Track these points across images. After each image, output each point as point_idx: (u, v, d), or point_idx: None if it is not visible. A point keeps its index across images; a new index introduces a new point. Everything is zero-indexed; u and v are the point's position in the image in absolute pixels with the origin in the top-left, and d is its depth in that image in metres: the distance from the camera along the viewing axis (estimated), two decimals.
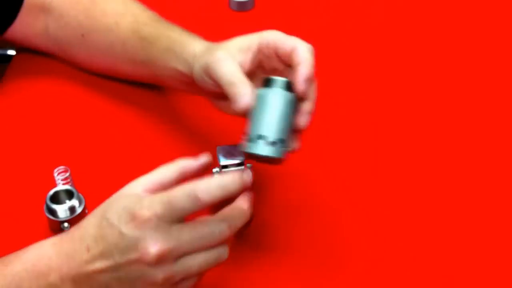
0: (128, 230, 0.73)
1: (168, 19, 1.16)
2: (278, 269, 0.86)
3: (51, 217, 0.90)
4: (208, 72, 0.86)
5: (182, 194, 0.74)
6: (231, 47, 0.87)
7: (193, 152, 0.97)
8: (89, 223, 0.76)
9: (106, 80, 1.09)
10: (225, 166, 0.86)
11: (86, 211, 0.91)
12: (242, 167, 0.87)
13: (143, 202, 0.73)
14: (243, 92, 0.82)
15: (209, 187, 0.74)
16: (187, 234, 0.73)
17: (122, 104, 1.07)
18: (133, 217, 0.73)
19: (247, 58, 0.86)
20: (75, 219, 0.90)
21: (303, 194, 0.93)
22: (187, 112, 1.06)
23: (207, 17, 1.22)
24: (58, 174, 0.93)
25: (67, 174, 0.93)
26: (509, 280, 0.85)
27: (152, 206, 0.73)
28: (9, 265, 0.77)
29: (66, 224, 0.90)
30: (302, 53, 0.83)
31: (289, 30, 1.15)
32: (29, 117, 1.05)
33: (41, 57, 1.10)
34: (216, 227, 0.75)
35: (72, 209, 0.90)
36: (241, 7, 1.23)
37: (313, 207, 0.92)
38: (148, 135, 1.02)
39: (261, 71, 0.87)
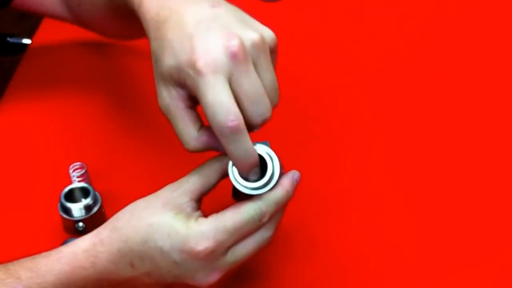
0: (184, 261, 0.72)
1: None
2: (277, 268, 0.85)
3: (65, 216, 0.87)
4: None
5: (246, 222, 0.72)
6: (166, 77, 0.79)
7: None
8: (131, 238, 0.73)
9: (126, 72, 1.08)
10: None
11: (103, 210, 0.89)
12: None
13: (198, 232, 0.71)
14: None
15: (270, 208, 0.73)
16: (241, 250, 0.73)
17: (142, 98, 1.05)
18: (188, 249, 0.71)
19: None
20: (90, 218, 0.87)
21: (304, 194, 0.91)
22: None
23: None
24: (74, 171, 0.90)
25: (83, 171, 0.90)
26: (509, 280, 0.84)
27: (211, 237, 0.71)
28: (44, 278, 0.74)
29: (81, 224, 0.87)
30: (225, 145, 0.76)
31: (317, 22, 1.15)
32: (44, 110, 1.03)
33: (57, 47, 1.10)
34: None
35: (87, 208, 0.87)
36: None
37: (313, 207, 0.90)
38: (169, 131, 0.98)
39: None
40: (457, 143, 0.97)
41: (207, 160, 0.75)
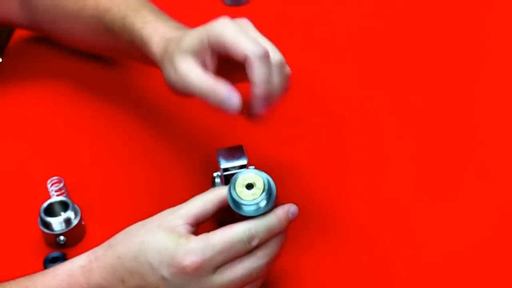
0: (172, 277, 0.72)
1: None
2: (277, 269, 0.84)
3: (46, 230, 0.87)
4: (182, 85, 0.83)
5: (235, 241, 0.73)
6: (187, 51, 0.83)
7: (193, 157, 0.96)
8: (124, 255, 0.74)
9: (100, 85, 1.07)
10: (227, 169, 0.83)
11: (83, 222, 0.89)
12: (245, 169, 0.83)
13: (186, 247, 0.72)
14: (225, 97, 0.79)
15: (261, 232, 0.74)
16: (229, 273, 0.74)
17: (117, 109, 1.04)
18: (176, 263, 0.72)
19: (207, 59, 0.82)
20: (71, 231, 0.87)
21: (304, 194, 0.91)
22: (184, 116, 1.03)
23: (200, 12, 1.19)
24: (52, 185, 0.90)
25: (61, 184, 0.90)
26: (509, 280, 0.84)
27: (199, 252, 0.72)
28: None
29: (62, 238, 0.87)
30: (255, 68, 0.78)
31: (285, 25, 1.16)
32: (18, 125, 1.03)
33: (28, 63, 1.09)
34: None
35: (67, 221, 0.87)
36: (236, 1, 1.20)
37: (313, 208, 0.90)
38: (145, 141, 1.00)
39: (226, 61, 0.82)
40: (458, 142, 0.97)
41: (206, 192, 0.77)
